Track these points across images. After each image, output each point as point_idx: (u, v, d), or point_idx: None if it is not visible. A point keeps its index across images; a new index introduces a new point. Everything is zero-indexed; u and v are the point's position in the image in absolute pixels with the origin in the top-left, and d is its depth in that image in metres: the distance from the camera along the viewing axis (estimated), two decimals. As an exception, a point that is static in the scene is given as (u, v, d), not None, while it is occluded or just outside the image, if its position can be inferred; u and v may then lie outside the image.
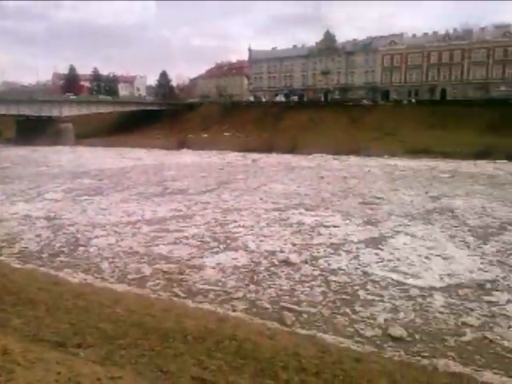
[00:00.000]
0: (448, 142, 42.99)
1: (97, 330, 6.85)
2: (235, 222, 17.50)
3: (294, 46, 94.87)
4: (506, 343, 8.01)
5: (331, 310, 9.50)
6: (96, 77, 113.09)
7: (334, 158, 43.15)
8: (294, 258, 12.97)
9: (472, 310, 9.48)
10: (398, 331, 8.37)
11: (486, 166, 36.07)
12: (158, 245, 14.32)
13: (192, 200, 22.16)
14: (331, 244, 14.44)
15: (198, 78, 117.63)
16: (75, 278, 11.07)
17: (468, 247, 14.25)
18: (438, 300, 9.95)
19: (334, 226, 16.80)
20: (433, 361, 6.91)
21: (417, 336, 8.28)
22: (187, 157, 46.66)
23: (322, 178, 30.73)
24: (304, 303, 9.81)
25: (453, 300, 9.99)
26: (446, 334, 8.39)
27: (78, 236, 15.47)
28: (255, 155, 46.02)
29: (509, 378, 6.70)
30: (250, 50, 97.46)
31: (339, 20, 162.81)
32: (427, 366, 6.66)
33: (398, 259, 12.88)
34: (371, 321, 8.92)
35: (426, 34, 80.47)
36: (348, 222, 17.65)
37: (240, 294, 10.27)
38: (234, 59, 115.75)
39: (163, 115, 74.10)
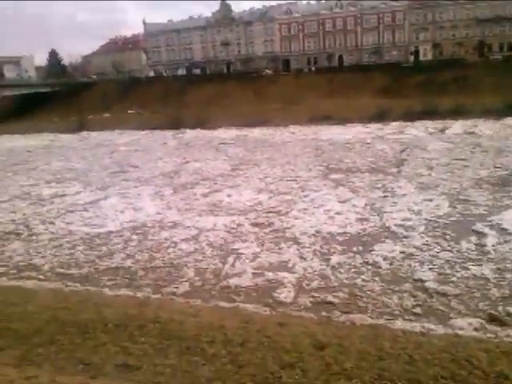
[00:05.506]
0: (348, 107, 44.68)
1: (8, 331, 6.48)
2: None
3: (191, 17, 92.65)
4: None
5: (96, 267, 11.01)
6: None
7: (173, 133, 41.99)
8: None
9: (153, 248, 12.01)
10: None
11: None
12: None
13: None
14: (58, 209, 16.56)
15: (92, 55, 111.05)
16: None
17: (161, 199, 17.19)
18: (134, 240, 12.67)
19: (69, 195, 18.88)
20: (348, 316, 7.35)
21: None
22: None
23: (113, 152, 31.59)
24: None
25: (136, 236, 12.96)
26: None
27: None
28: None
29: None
30: (144, 23, 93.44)
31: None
32: (345, 321, 7.08)
33: (97, 216, 15.34)
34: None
35: (319, 2, 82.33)
36: (83, 189, 19.82)
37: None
38: (128, 33, 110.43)
39: (59, 96, 69.24)
